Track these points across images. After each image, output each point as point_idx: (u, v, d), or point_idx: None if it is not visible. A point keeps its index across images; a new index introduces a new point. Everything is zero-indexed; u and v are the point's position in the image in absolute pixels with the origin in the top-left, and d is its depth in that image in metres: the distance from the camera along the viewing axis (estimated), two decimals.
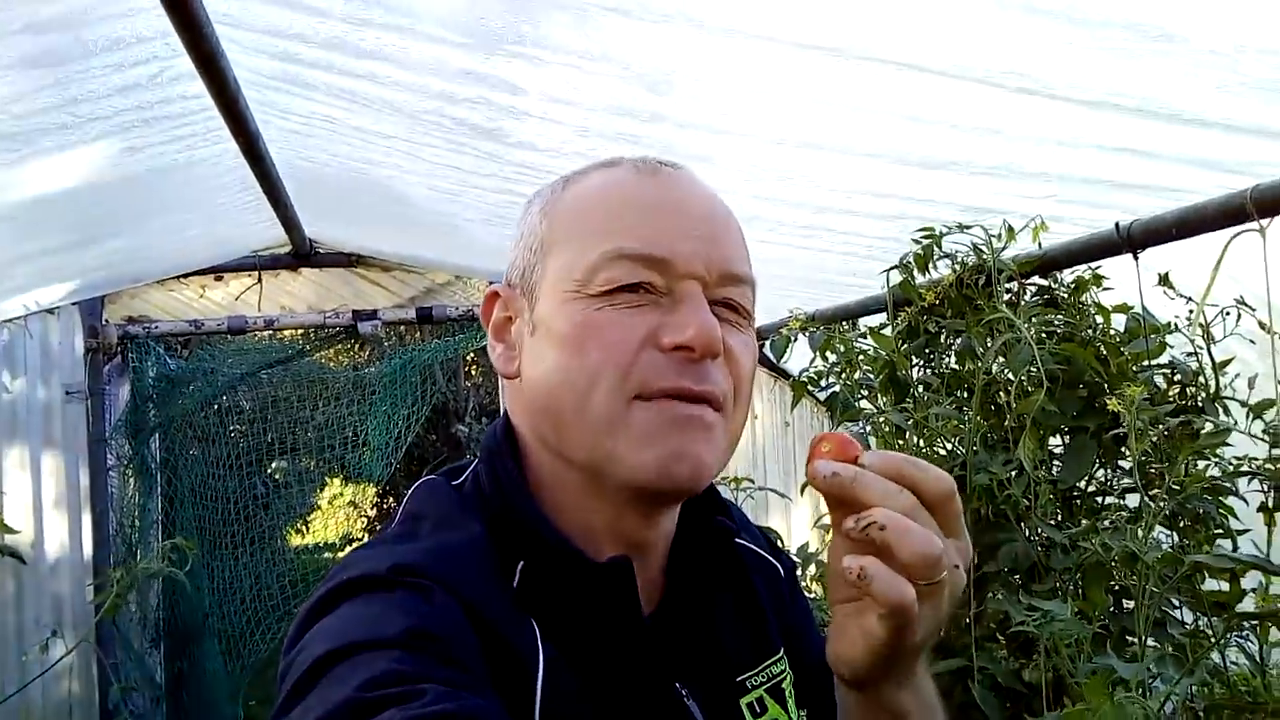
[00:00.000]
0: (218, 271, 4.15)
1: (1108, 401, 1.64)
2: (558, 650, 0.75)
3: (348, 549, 5.93)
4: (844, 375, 2.31)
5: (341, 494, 6.20)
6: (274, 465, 5.02)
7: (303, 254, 4.05)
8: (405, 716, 0.59)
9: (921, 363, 2.23)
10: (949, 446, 2.01)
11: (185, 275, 4.06)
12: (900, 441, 2.12)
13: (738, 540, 0.95)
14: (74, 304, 3.79)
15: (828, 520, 2.19)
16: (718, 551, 0.90)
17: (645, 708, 0.80)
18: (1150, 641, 1.65)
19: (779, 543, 2.66)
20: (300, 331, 5.07)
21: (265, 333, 4.24)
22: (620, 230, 0.77)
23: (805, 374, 2.32)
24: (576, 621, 0.78)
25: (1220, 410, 1.78)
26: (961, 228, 1.95)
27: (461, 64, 1.66)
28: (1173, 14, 1.09)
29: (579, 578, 0.79)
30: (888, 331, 2.23)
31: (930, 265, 2.10)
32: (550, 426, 0.79)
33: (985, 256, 1.97)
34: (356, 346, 4.86)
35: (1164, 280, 1.81)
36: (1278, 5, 1.03)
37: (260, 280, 4.22)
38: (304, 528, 6.63)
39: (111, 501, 3.99)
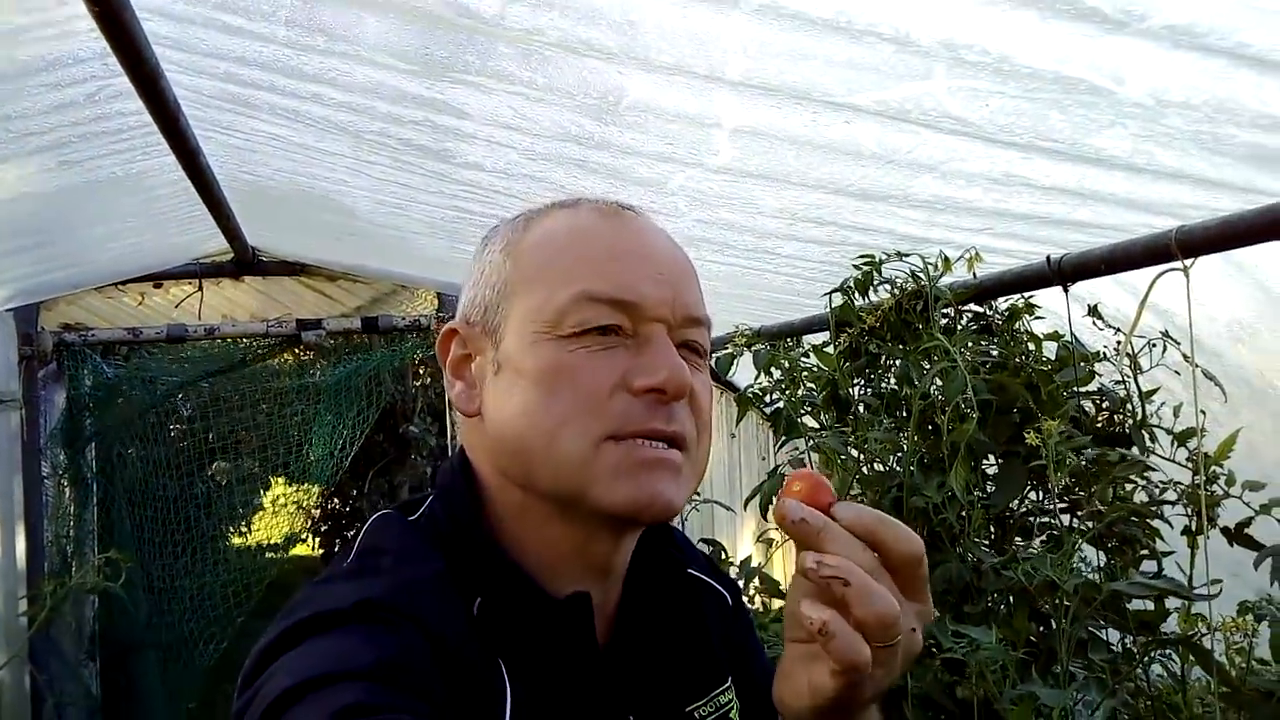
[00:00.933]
0: (158, 278, 4.07)
1: (1028, 435, 1.69)
2: (523, 686, 0.76)
3: (292, 550, 5.85)
4: (788, 391, 2.35)
5: (284, 496, 6.10)
6: (214, 467, 4.94)
7: (246, 262, 3.99)
8: None
9: (862, 382, 2.27)
10: (886, 466, 2.05)
11: (125, 282, 3.98)
12: (840, 459, 2.16)
13: (687, 570, 0.97)
14: (8, 310, 3.70)
15: (773, 534, 2.19)
16: (669, 580, 0.91)
17: None
18: (1077, 663, 1.70)
19: (723, 554, 2.69)
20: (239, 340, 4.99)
21: (206, 340, 4.15)
22: (589, 274, 0.78)
23: (750, 389, 2.35)
24: (533, 654, 0.79)
25: (1146, 437, 1.84)
26: (900, 256, 1.99)
27: (408, 89, 1.66)
28: (1096, 70, 1.13)
29: (536, 612, 0.80)
30: (830, 350, 2.27)
31: (871, 289, 2.14)
32: (517, 463, 0.80)
33: (923, 283, 2.01)
34: (303, 349, 4.79)
35: (1093, 312, 1.87)
36: (1192, 65, 1.07)
37: (201, 288, 4.15)
38: (245, 530, 6.53)
39: (46, 511, 3.90)
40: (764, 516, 2.17)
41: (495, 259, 0.84)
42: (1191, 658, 1.69)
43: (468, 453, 0.87)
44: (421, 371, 7.80)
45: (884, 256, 2.02)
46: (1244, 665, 1.54)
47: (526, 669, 0.78)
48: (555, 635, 0.80)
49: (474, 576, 0.80)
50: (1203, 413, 1.66)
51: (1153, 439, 1.83)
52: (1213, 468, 1.62)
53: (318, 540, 9.35)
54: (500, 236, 0.86)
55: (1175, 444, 1.73)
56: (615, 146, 1.77)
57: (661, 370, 0.76)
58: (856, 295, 2.14)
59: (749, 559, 2.82)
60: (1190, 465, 1.69)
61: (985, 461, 1.97)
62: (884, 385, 2.22)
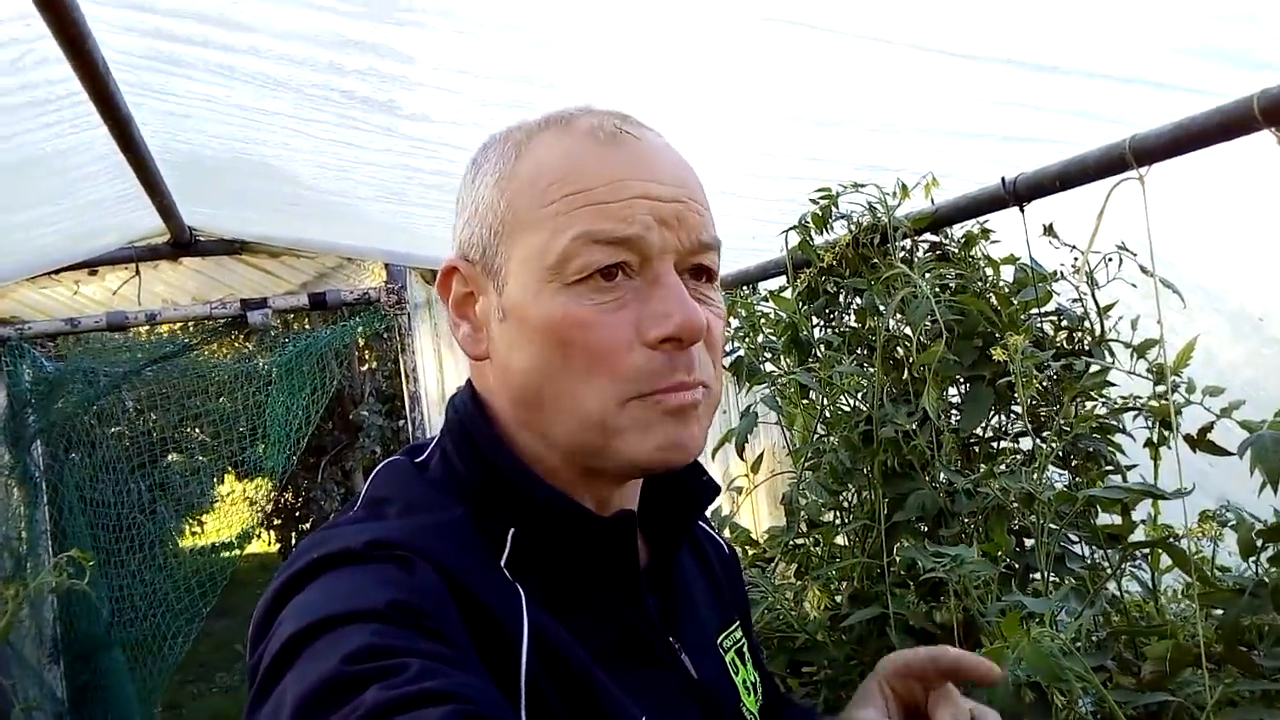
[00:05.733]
0: (92, 265, 3.94)
1: (995, 350, 1.70)
2: (550, 614, 0.73)
3: (247, 547, 5.76)
4: (748, 339, 2.35)
5: (235, 491, 6.01)
6: (167, 461, 4.84)
7: (183, 243, 3.87)
8: (387, 694, 0.57)
9: (822, 323, 2.28)
10: (852, 403, 2.06)
11: (57, 271, 3.85)
12: (805, 400, 2.17)
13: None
14: None
15: (740, 483, 2.19)
16: (687, 514, 0.89)
17: (646, 664, 0.80)
18: (1052, 577, 1.73)
19: None
20: (182, 326, 4.88)
21: (146, 328, 4.04)
22: (589, 212, 0.74)
23: None
24: (573, 582, 0.78)
25: (1106, 352, 1.87)
26: (856, 186, 1.99)
27: (350, 33, 1.61)
28: None
29: (580, 534, 0.78)
30: (788, 294, 2.27)
31: (828, 225, 2.14)
32: (533, 414, 0.78)
33: (880, 215, 2.02)
34: (242, 338, 4.68)
35: (1049, 231, 1.88)
36: None
37: (138, 272, 4.01)
38: (200, 527, 6.41)
39: None
40: (740, 456, 2.17)
41: (488, 195, 0.80)
42: (1162, 565, 1.73)
43: (480, 391, 0.84)
44: (368, 355, 7.71)
45: (841, 189, 2.02)
46: (1209, 570, 1.58)
47: (563, 597, 0.76)
48: (599, 556, 0.79)
49: (506, 509, 0.77)
50: (1158, 323, 1.68)
51: (1111, 354, 1.86)
52: (1172, 376, 1.64)
53: (273, 534, 9.24)
54: (491, 165, 0.81)
55: (1134, 356, 1.76)
56: (564, 86, 1.74)
57: (673, 316, 0.74)
58: (814, 232, 2.14)
59: (719, 508, 2.83)
60: (1151, 376, 1.72)
61: (949, 390, 1.99)
62: (843, 323, 2.23)
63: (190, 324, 4.21)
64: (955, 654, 0.85)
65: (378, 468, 0.85)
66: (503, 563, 0.75)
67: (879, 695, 0.86)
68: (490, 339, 0.80)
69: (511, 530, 0.77)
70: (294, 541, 8.60)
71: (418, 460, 0.84)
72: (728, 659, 0.90)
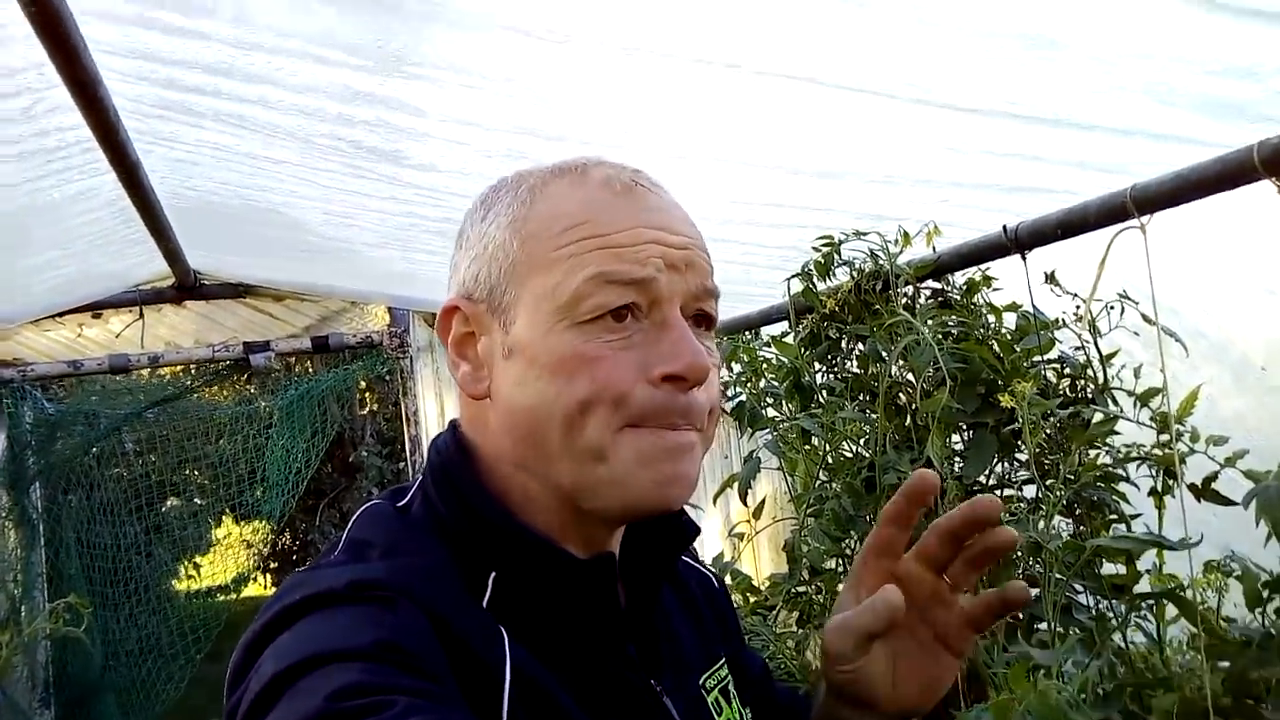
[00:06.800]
0: (96, 308, 3.95)
1: (1002, 398, 1.70)
2: (533, 656, 0.74)
3: (243, 591, 5.72)
4: (750, 385, 2.35)
5: (232, 534, 5.97)
6: (165, 507, 4.81)
7: (187, 286, 3.89)
8: None
9: (824, 368, 2.29)
10: (855, 449, 2.06)
11: (61, 314, 3.86)
12: (807, 446, 2.17)
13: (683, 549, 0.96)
14: None
15: (741, 529, 2.18)
16: (668, 555, 0.90)
17: (627, 707, 0.80)
18: (1057, 627, 1.71)
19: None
20: (184, 369, 4.88)
21: (148, 370, 4.04)
22: (604, 255, 0.76)
23: None
24: (554, 625, 0.78)
25: (1109, 400, 1.87)
26: (859, 234, 2.01)
27: (359, 86, 1.63)
28: (1057, 23, 1.15)
29: (561, 577, 0.78)
30: (790, 339, 2.28)
31: (830, 272, 2.15)
32: (534, 452, 0.78)
33: (882, 262, 2.03)
34: (244, 380, 4.68)
35: (1050, 278, 1.89)
36: (1153, 12, 1.09)
37: (142, 315, 4.03)
38: (196, 572, 6.38)
39: None
40: (743, 502, 2.16)
41: (499, 235, 0.81)
42: (1168, 616, 1.72)
43: (466, 432, 0.85)
44: (368, 398, 7.71)
45: (843, 236, 2.03)
46: (1215, 621, 1.57)
47: (543, 638, 0.76)
48: (580, 600, 0.79)
49: (487, 552, 0.78)
50: (1161, 372, 1.68)
51: (1114, 402, 1.86)
52: (1175, 425, 1.64)
53: (269, 578, 9.17)
54: (504, 206, 0.83)
55: (1138, 405, 1.76)
56: (572, 139, 1.76)
57: (682, 357, 0.76)
58: (816, 279, 2.15)
59: (720, 554, 2.81)
60: (1155, 425, 1.72)
61: (951, 438, 1.98)
62: (846, 369, 2.23)
63: (193, 367, 4.21)
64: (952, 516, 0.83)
65: (359, 511, 0.86)
66: (485, 604, 0.76)
67: (851, 600, 0.86)
68: (492, 378, 0.81)
69: (493, 574, 0.77)
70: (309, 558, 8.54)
71: (399, 504, 0.84)
72: (710, 700, 0.90)
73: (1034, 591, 1.79)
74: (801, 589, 2.19)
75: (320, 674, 0.62)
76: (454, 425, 0.87)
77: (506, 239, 0.81)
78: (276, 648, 0.67)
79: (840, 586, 2.04)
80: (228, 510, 5.10)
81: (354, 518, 0.85)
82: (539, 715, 0.71)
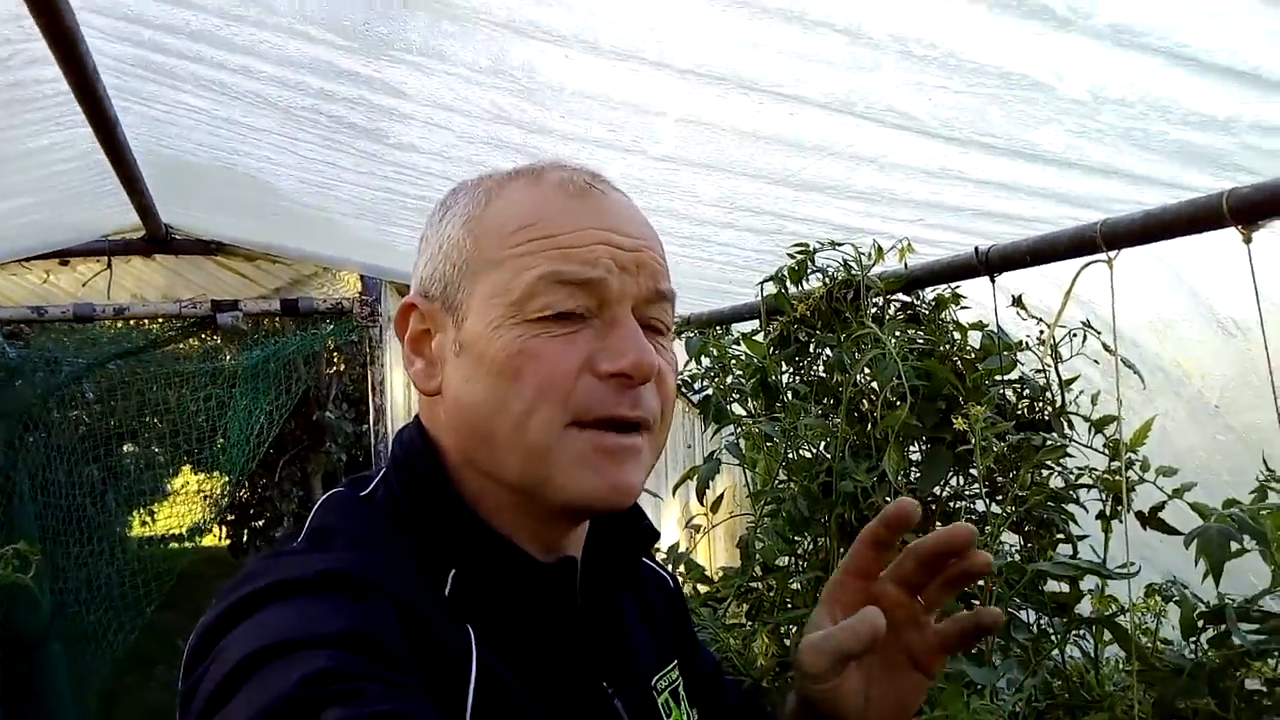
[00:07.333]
0: (64, 255, 3.89)
1: (955, 420, 1.73)
2: (493, 654, 0.75)
3: (196, 539, 5.68)
4: (717, 379, 2.37)
5: (190, 484, 5.92)
6: (122, 452, 4.76)
7: (158, 240, 3.84)
8: (346, 713, 0.58)
9: (791, 370, 2.31)
10: (815, 451, 2.08)
11: (29, 259, 3.80)
12: (769, 445, 2.19)
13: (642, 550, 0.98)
14: None
15: (699, 520, 2.21)
16: (626, 557, 0.91)
17: (578, 707, 0.82)
18: (998, 643, 1.75)
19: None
20: (151, 320, 4.82)
21: (116, 321, 3.99)
22: (554, 256, 0.77)
23: (680, 376, 2.36)
24: (511, 623, 0.79)
25: (1065, 424, 1.91)
26: (834, 245, 2.03)
27: (344, 65, 1.62)
28: (1040, 66, 1.16)
29: (519, 578, 0.79)
30: (760, 338, 2.30)
31: (803, 278, 2.17)
32: (481, 448, 0.79)
33: (854, 272, 2.05)
34: (209, 334, 4.63)
35: (1017, 302, 1.92)
36: (1131, 61, 1.11)
37: (110, 266, 3.98)
38: (151, 519, 6.32)
39: None
40: (700, 501, 2.18)
41: (455, 234, 0.82)
42: (1105, 637, 1.76)
43: (428, 428, 0.86)
44: (336, 358, 7.65)
45: (818, 245, 2.05)
46: (1150, 645, 1.61)
47: (501, 637, 0.77)
48: (538, 601, 0.80)
49: (447, 549, 0.79)
50: (1117, 400, 1.72)
51: (1070, 426, 1.90)
52: (1128, 454, 1.67)
53: (225, 530, 9.10)
54: (460, 207, 0.84)
55: (1093, 430, 1.79)
56: (555, 133, 1.76)
57: (628, 354, 0.77)
58: (789, 284, 2.17)
59: (676, 545, 2.84)
60: (1107, 451, 1.76)
61: (909, 448, 2.01)
62: (813, 373, 2.26)
63: (159, 320, 4.16)
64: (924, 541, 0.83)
65: (321, 499, 0.86)
66: (447, 600, 0.77)
67: (826, 619, 0.86)
68: (444, 374, 0.82)
69: (453, 571, 0.78)
70: (245, 538, 8.48)
71: (363, 493, 0.85)
72: (660, 701, 0.92)
73: (975, 604, 1.83)
74: (754, 585, 2.22)
75: (291, 659, 0.62)
76: (418, 419, 0.88)
77: (461, 237, 0.82)
78: (242, 632, 0.66)
79: (791, 584, 2.08)
80: (186, 460, 5.05)
81: (317, 505, 0.85)
82: (501, 712, 0.72)
